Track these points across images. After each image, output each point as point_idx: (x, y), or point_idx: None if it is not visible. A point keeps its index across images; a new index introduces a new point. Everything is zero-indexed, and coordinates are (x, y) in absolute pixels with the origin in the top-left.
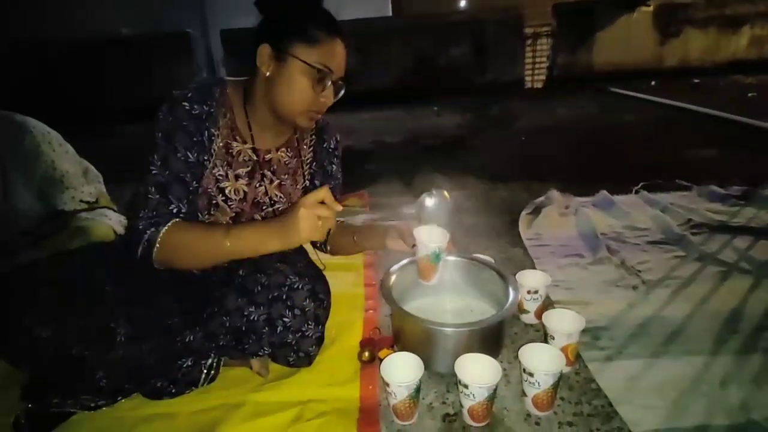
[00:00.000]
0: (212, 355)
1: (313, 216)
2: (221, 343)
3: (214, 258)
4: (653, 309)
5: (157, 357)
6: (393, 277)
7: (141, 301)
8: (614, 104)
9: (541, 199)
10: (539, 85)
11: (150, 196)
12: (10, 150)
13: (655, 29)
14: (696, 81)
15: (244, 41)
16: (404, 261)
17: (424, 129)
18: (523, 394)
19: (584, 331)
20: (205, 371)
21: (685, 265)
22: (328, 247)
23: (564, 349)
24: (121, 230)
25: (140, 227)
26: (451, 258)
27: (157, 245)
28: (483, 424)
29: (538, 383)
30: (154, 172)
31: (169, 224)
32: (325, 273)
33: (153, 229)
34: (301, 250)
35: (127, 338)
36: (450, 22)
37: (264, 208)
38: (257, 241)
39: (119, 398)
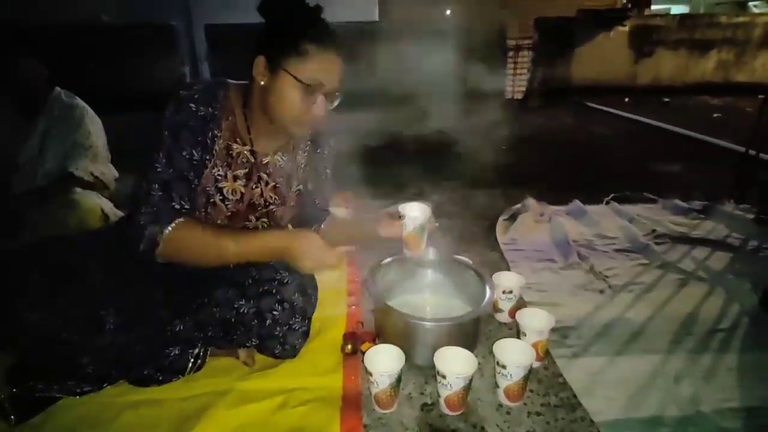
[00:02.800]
0: (199, 344)
1: (319, 259)
2: (210, 334)
3: (217, 260)
4: (617, 311)
5: (145, 345)
6: (376, 275)
7: (131, 290)
8: (589, 118)
9: (518, 206)
10: (519, 96)
11: (152, 192)
12: (59, 118)
13: (630, 48)
14: (666, 100)
15: (228, 37)
16: (387, 259)
17: (406, 134)
18: (496, 385)
19: (554, 330)
20: (192, 360)
21: (648, 272)
22: None
23: (535, 345)
24: (108, 211)
25: (141, 222)
26: (433, 258)
27: (162, 242)
28: (458, 412)
29: (510, 375)
30: (158, 169)
31: (175, 223)
32: None
33: (156, 227)
34: None
35: (115, 326)
36: (435, 29)
37: (259, 209)
38: (270, 254)
39: (105, 385)
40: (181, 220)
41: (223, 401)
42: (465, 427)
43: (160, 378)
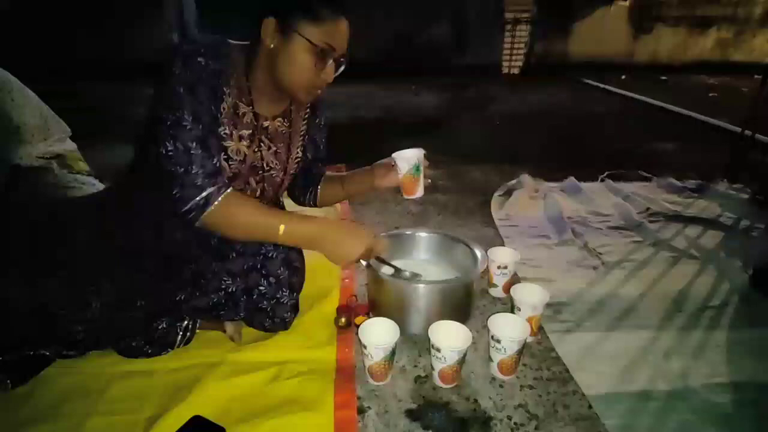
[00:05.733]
0: (188, 318)
1: (364, 252)
2: (197, 305)
3: (261, 238)
4: (610, 288)
5: (132, 321)
6: None
7: (119, 267)
8: (585, 94)
9: (513, 182)
10: (516, 71)
11: (192, 151)
12: None
13: (629, 24)
14: (663, 78)
15: (219, 2)
16: (381, 234)
17: (401, 106)
18: (490, 359)
19: (548, 305)
20: (180, 333)
21: (641, 249)
22: (317, 201)
23: (529, 320)
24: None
25: (198, 183)
26: (425, 234)
27: (213, 207)
28: (452, 385)
29: (504, 349)
30: (188, 126)
31: (230, 189)
32: None
33: (213, 189)
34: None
35: (102, 304)
36: (431, 0)
37: (259, 172)
38: (309, 241)
39: (88, 352)
40: (231, 189)
41: (214, 373)
42: (458, 400)
43: (149, 351)
